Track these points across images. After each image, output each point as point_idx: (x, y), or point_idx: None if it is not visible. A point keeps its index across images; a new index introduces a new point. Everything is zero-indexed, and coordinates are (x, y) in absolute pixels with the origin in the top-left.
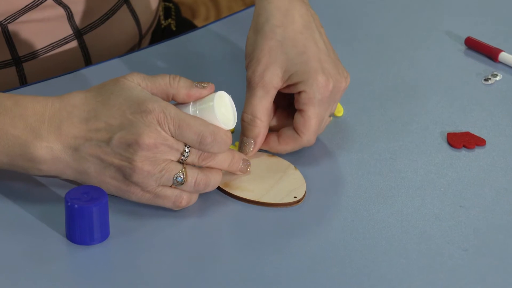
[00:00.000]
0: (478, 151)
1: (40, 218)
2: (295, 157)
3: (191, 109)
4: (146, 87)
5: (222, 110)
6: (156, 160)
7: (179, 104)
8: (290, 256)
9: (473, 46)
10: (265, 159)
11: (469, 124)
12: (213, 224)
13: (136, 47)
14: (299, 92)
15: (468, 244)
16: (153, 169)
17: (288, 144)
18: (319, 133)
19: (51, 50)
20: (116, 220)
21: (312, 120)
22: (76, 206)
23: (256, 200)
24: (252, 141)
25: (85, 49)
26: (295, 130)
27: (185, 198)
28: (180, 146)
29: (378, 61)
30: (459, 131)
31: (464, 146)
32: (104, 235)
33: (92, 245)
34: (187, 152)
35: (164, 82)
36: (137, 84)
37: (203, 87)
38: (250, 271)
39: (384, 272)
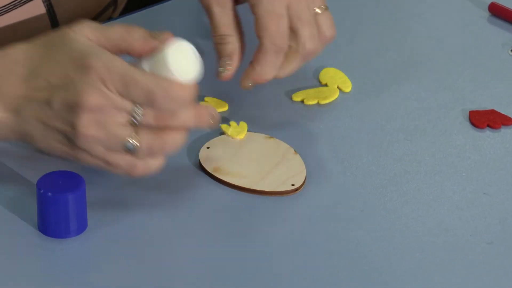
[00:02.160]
0: (504, 131)
1: (9, 207)
2: (296, 139)
3: (143, 64)
4: (96, 39)
5: (178, 60)
6: (102, 123)
7: (136, 59)
8: (288, 251)
9: (498, 12)
10: (261, 141)
11: (494, 101)
12: (202, 214)
13: (111, 5)
14: None
15: (493, 236)
16: (99, 134)
17: (259, 62)
18: (309, 48)
19: (12, 8)
20: (94, 210)
21: (265, 18)
22: (49, 194)
23: (250, 187)
24: (228, 59)
25: (51, 8)
26: (258, 38)
27: (140, 168)
28: (128, 106)
29: (391, 29)
30: (483, 109)
31: (488, 125)
32: (81, 227)
33: (67, 238)
34: (138, 114)
35: (116, 35)
36: (85, 36)
37: (159, 36)
38: (242, 266)
39: (397, 268)
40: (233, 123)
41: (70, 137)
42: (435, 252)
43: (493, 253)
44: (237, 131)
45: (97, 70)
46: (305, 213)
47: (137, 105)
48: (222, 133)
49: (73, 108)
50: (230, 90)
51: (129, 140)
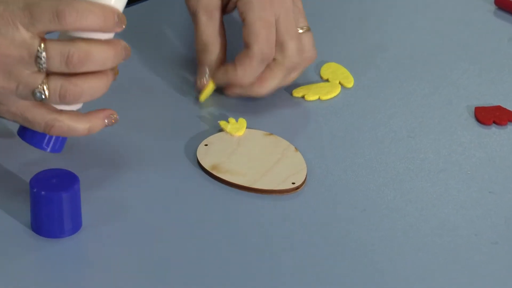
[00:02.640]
0: (510, 128)
1: (1, 206)
2: (296, 136)
3: None
4: None
5: None
6: (7, 70)
7: None
8: (288, 251)
9: (505, 6)
10: (260, 138)
11: (501, 96)
12: (199, 213)
13: None
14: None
15: (499, 236)
16: (7, 85)
17: (242, 64)
18: (293, 62)
19: None
20: (89, 209)
21: (256, 25)
22: (43, 193)
23: (249, 186)
24: (206, 69)
25: None
26: (245, 44)
27: (57, 126)
28: (34, 44)
29: (394, 23)
30: (488, 105)
31: (494, 122)
32: (76, 226)
33: (61, 238)
34: (42, 54)
35: None
36: None
37: None
38: (241, 267)
39: (399, 269)
40: (231, 120)
41: None
42: (439, 252)
43: (498, 254)
44: (236, 127)
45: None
46: (306, 212)
47: (41, 46)
48: (221, 130)
49: None
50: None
51: (38, 89)
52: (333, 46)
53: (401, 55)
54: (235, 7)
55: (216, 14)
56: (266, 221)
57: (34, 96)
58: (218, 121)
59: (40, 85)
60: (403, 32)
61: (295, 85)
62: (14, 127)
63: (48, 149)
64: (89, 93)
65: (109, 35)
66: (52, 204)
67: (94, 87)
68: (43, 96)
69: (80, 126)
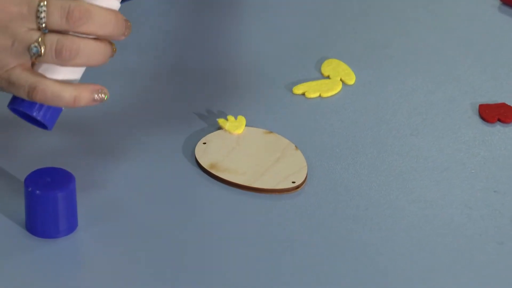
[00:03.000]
0: None
1: None
2: (297, 134)
3: None
4: None
5: None
6: (3, 26)
7: None
8: (288, 252)
9: (509, 1)
10: (260, 136)
11: (505, 94)
12: (197, 213)
13: None
14: None
15: (504, 236)
16: (3, 42)
17: None
18: None
19: None
20: (85, 209)
21: None
22: (38, 192)
23: (248, 185)
24: None
25: None
26: None
27: (41, 90)
28: (33, 2)
29: (397, 18)
30: (493, 102)
31: (499, 120)
32: (71, 226)
33: (57, 238)
34: (43, 10)
35: None
36: None
37: None
38: (239, 269)
39: (403, 270)
40: (230, 117)
41: None
42: (443, 253)
43: (503, 254)
44: (235, 125)
45: None
46: (307, 212)
47: (42, 3)
48: (219, 128)
49: None
50: (227, 83)
51: (34, 44)
52: (334, 42)
53: (404, 51)
54: None
55: None
56: (265, 221)
57: (29, 51)
58: (217, 119)
59: (37, 41)
60: (406, 27)
61: (296, 82)
62: (7, 125)
63: (39, 117)
64: (86, 54)
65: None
66: (47, 203)
67: (92, 48)
68: (39, 51)
69: (66, 94)
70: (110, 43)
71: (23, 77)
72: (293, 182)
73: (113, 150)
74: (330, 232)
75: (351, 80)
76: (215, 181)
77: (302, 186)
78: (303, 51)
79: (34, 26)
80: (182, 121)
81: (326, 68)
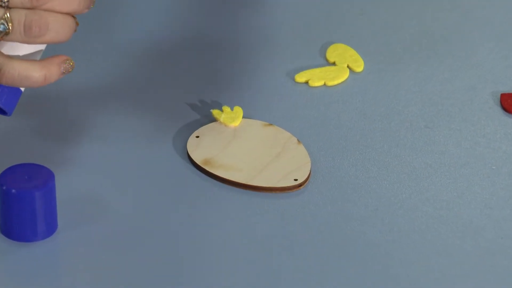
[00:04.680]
0: None
1: None
2: (299, 126)
3: None
4: None
5: None
6: None
7: None
8: (290, 255)
9: None
10: (259, 129)
11: None
12: (190, 213)
13: None
14: None
15: None
16: None
17: None
18: None
19: None
20: (65, 209)
21: None
22: (13, 191)
23: (246, 182)
24: None
25: None
26: None
27: (8, 72)
28: None
29: None
30: None
31: None
32: (51, 228)
33: (35, 241)
34: None
35: None
36: None
37: None
38: (237, 273)
39: (416, 275)
40: (226, 108)
41: None
42: (461, 257)
43: None
44: (231, 117)
45: None
46: (310, 212)
47: None
48: (214, 119)
49: None
50: (223, 70)
51: (0, 21)
52: (340, 24)
53: (417, 34)
54: None
55: None
56: (265, 222)
57: None
58: (211, 110)
59: (2, 17)
60: (419, 8)
61: (298, 69)
62: None
63: None
64: (55, 29)
65: None
66: (23, 203)
67: (60, 23)
68: (6, 28)
69: (35, 73)
70: (73, 16)
71: None
72: (295, 180)
73: (97, 144)
74: (335, 235)
75: (359, 67)
76: (209, 179)
77: (305, 184)
78: (306, 35)
79: None
80: (172, 112)
81: (332, 54)
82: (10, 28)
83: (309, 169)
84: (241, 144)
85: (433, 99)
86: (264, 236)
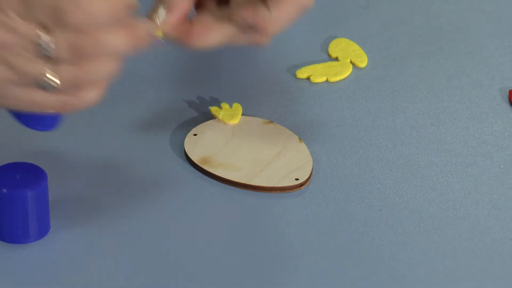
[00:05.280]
0: None
1: None
2: (300, 124)
3: None
4: None
5: None
6: (8, 61)
7: None
8: (291, 257)
9: None
10: (259, 126)
11: None
12: (187, 214)
13: None
14: None
15: None
16: (7, 75)
17: (280, 4)
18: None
19: None
20: (59, 210)
21: None
22: (4, 190)
23: (245, 182)
24: (163, 9)
25: None
26: None
27: (71, 103)
28: (31, 30)
29: None
30: None
31: None
32: (43, 230)
33: (26, 243)
34: (44, 39)
35: None
36: None
37: None
38: (235, 275)
39: (422, 278)
40: (225, 105)
41: None
42: (468, 260)
43: None
44: (230, 114)
45: None
46: (312, 212)
47: (44, 29)
48: (212, 117)
49: None
50: (221, 66)
51: (45, 76)
52: (343, 18)
53: (423, 29)
54: None
55: None
56: (265, 223)
57: (40, 85)
58: (209, 107)
59: (46, 73)
60: (425, 2)
61: (299, 64)
62: None
63: (51, 128)
64: (101, 77)
65: None
66: (15, 203)
67: (106, 66)
68: (52, 85)
69: (91, 93)
70: None
71: (48, 99)
72: (297, 179)
73: (92, 142)
74: (338, 236)
75: (362, 62)
76: (207, 178)
77: (306, 184)
78: (307, 29)
79: (38, 55)
80: (169, 109)
81: (334, 49)
82: (56, 84)
83: (311, 168)
84: (240, 142)
85: (439, 95)
86: (265, 237)
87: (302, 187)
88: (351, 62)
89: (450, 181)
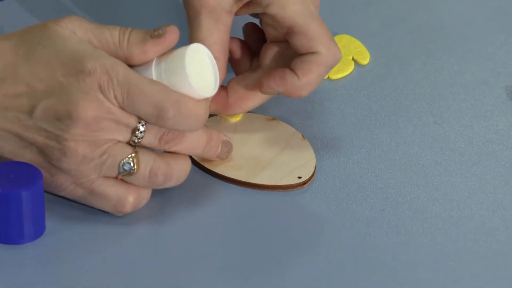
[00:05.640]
0: None
1: None
2: (303, 121)
3: (153, 70)
4: (88, 40)
5: (196, 70)
6: (97, 140)
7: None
8: (293, 257)
9: None
10: (261, 123)
11: None
12: (187, 213)
13: None
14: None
15: None
16: (92, 153)
17: (308, 72)
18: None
19: None
20: (54, 210)
21: (312, 26)
22: None
23: (246, 180)
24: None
25: None
26: (301, 50)
27: (131, 201)
28: (132, 122)
29: None
30: None
31: None
32: (38, 230)
33: (21, 244)
34: (141, 132)
35: (113, 40)
36: (74, 33)
37: (160, 35)
38: (236, 275)
39: (425, 280)
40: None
41: (54, 155)
42: (473, 261)
43: None
44: None
45: (96, 75)
46: (314, 211)
47: (142, 122)
48: (214, 113)
49: (62, 119)
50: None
51: (128, 160)
52: (345, 15)
53: (426, 25)
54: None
55: (225, 19)
56: (266, 222)
57: (119, 167)
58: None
59: (130, 157)
60: None
61: None
62: None
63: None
64: (177, 176)
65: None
66: (9, 203)
67: (183, 169)
68: (132, 168)
69: (147, 193)
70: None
71: (110, 189)
72: (299, 178)
73: None
74: (341, 236)
75: (364, 59)
76: (208, 176)
77: (309, 182)
78: None
79: (127, 140)
80: None
81: None
82: (136, 169)
83: (314, 167)
84: (242, 139)
85: (443, 93)
86: (266, 236)
87: (305, 185)
88: (353, 59)
89: (454, 181)
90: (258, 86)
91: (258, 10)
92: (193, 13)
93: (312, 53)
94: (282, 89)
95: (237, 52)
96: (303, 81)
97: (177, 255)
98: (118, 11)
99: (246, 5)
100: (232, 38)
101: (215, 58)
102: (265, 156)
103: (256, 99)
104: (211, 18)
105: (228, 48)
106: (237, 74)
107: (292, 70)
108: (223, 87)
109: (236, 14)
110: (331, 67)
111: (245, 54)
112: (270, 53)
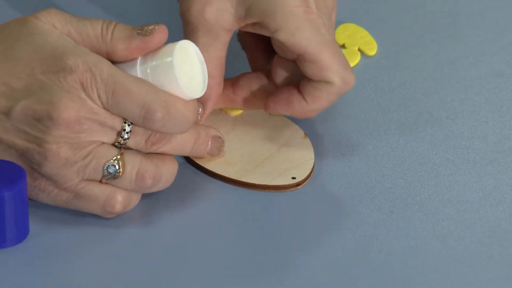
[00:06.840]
0: None
1: None
2: (304, 118)
3: (138, 68)
4: (68, 34)
5: (185, 69)
6: (79, 142)
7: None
8: (287, 263)
9: None
10: (263, 119)
11: None
12: (175, 211)
13: None
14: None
15: None
16: (74, 156)
17: (317, 99)
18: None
19: None
20: (38, 211)
21: (324, 55)
22: None
23: (237, 178)
24: (200, 106)
25: None
26: (312, 77)
27: (121, 200)
28: (117, 123)
29: None
30: None
31: None
32: (22, 233)
33: (3, 248)
34: (127, 132)
35: (95, 33)
36: (53, 26)
37: (148, 33)
38: (224, 279)
39: (436, 285)
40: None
41: (34, 159)
42: (487, 266)
43: None
44: None
45: (78, 73)
46: (311, 214)
47: (128, 123)
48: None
49: (42, 120)
50: (227, 56)
51: (112, 162)
52: (350, 2)
53: (437, 13)
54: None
55: (222, 38)
56: (258, 223)
57: (105, 171)
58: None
59: (115, 160)
60: None
61: None
62: None
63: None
64: (165, 179)
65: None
66: None
67: (170, 172)
68: (117, 171)
69: (136, 195)
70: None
71: (96, 192)
72: (293, 178)
73: None
74: (343, 240)
75: (371, 50)
76: (198, 172)
77: (304, 184)
78: None
79: (112, 141)
80: None
81: (341, 35)
82: (121, 172)
83: (311, 168)
84: (240, 135)
85: (456, 86)
86: (257, 239)
87: (299, 187)
88: (359, 49)
89: (468, 180)
90: (264, 95)
91: (266, 33)
92: (190, 28)
93: (325, 82)
94: (289, 114)
95: (254, 47)
96: (312, 107)
97: (166, 256)
98: (106, 8)
99: (252, 25)
100: (252, 33)
101: (210, 75)
102: (261, 153)
103: (261, 104)
104: (208, 37)
105: (224, 65)
106: (253, 69)
107: (300, 92)
108: (231, 84)
109: (241, 29)
110: (343, 94)
111: (262, 50)
112: (281, 67)
